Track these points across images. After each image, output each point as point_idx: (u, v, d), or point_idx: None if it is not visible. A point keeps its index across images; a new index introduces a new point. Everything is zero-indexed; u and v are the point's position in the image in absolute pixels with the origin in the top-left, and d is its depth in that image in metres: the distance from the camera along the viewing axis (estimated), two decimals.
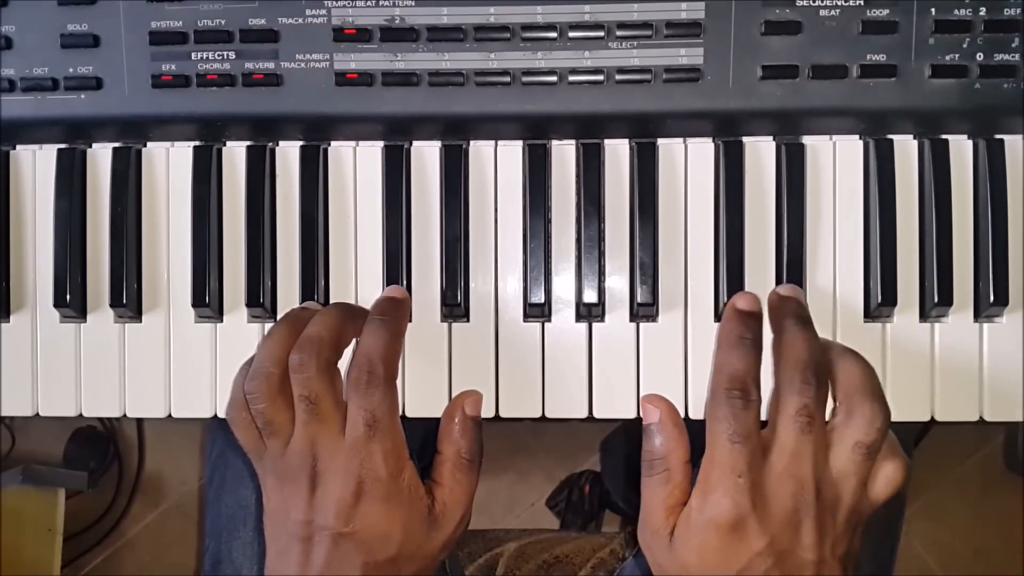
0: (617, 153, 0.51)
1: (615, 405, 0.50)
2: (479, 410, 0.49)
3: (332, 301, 0.51)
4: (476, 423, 0.48)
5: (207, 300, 0.50)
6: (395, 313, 0.48)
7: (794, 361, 0.43)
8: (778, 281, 0.50)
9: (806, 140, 0.50)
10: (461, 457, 0.47)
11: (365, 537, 0.44)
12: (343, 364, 0.47)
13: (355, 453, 0.44)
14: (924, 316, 0.50)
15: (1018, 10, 0.47)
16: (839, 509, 0.43)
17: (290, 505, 0.45)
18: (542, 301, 0.50)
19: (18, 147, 0.53)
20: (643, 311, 0.50)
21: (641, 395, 0.50)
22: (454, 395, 0.50)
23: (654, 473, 0.45)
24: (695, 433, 0.47)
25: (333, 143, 0.52)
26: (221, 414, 0.51)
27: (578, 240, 0.50)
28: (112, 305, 0.51)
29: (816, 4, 0.47)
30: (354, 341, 0.48)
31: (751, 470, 0.42)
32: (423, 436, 0.51)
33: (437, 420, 0.50)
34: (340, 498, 0.44)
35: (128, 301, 0.51)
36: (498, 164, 0.51)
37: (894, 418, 0.49)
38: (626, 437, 1.06)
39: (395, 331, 0.47)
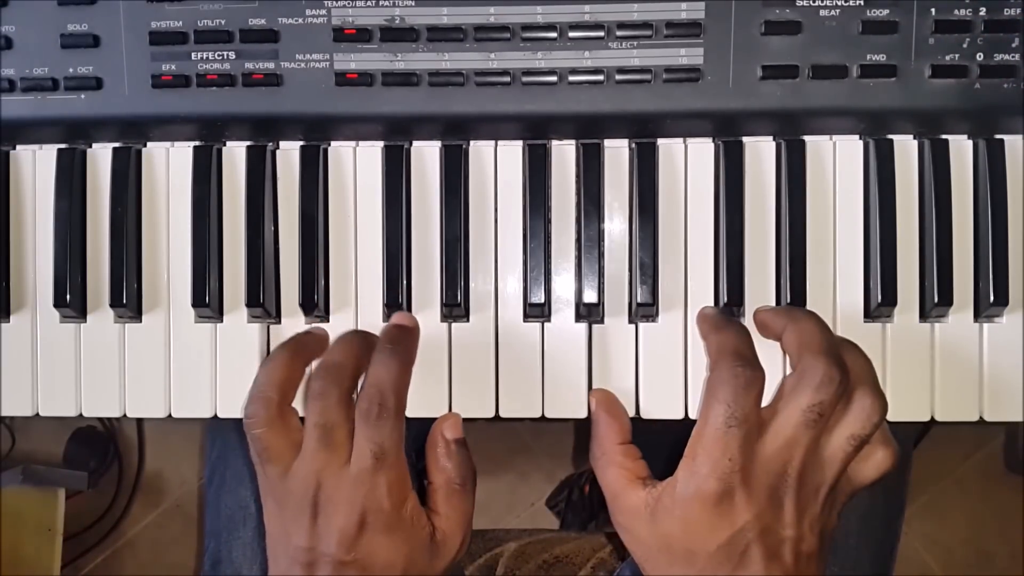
0: (617, 153, 0.51)
1: None
2: (460, 431, 0.48)
3: (332, 301, 0.51)
4: (460, 444, 0.48)
5: (207, 300, 0.50)
6: (405, 342, 0.48)
7: (814, 347, 0.43)
8: (778, 281, 0.50)
9: (806, 140, 0.50)
10: (452, 483, 0.47)
11: (367, 565, 0.44)
12: None
13: (360, 484, 0.44)
14: (924, 316, 0.50)
15: (1018, 10, 0.47)
16: (820, 490, 0.43)
17: (291, 530, 0.45)
18: (542, 301, 0.50)
19: (18, 147, 0.53)
20: (643, 311, 0.50)
21: (640, 396, 0.50)
22: (454, 396, 0.50)
23: (596, 460, 0.47)
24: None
25: (333, 143, 0.52)
26: (221, 414, 0.51)
27: (578, 240, 0.50)
28: (112, 305, 0.51)
29: (816, 4, 0.47)
30: None
31: (742, 453, 0.42)
32: (424, 436, 0.51)
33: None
34: (343, 528, 0.44)
35: (128, 301, 0.51)
36: (498, 164, 0.51)
37: (894, 418, 0.49)
38: None
39: (405, 361, 0.47)
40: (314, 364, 0.49)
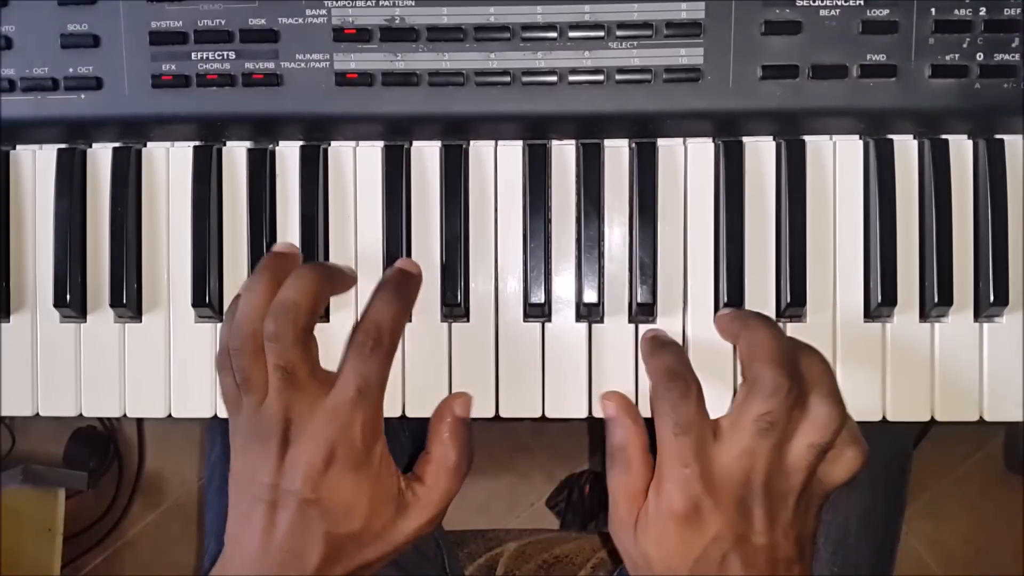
0: (617, 153, 0.51)
1: None
2: (469, 412, 0.49)
3: (332, 300, 0.51)
4: (466, 425, 0.48)
5: (207, 300, 0.50)
6: (407, 285, 0.48)
7: (763, 355, 0.43)
8: (778, 281, 0.50)
9: (806, 140, 0.50)
10: (447, 459, 0.47)
11: (330, 506, 0.44)
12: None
13: (335, 416, 0.44)
14: (924, 316, 0.50)
15: (1018, 10, 0.47)
16: (788, 497, 0.43)
17: (257, 466, 0.44)
18: (542, 301, 0.50)
19: (18, 147, 0.53)
20: (643, 311, 0.50)
21: (640, 395, 0.50)
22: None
23: (614, 464, 0.46)
24: None
25: (333, 143, 0.52)
26: (221, 414, 0.51)
27: (578, 240, 0.50)
28: (112, 305, 0.51)
29: (816, 4, 0.47)
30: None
31: (698, 460, 0.42)
32: (423, 437, 0.51)
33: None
34: (310, 462, 0.43)
35: (128, 301, 0.51)
36: (498, 164, 0.51)
37: (894, 418, 0.49)
38: None
39: (405, 303, 0.48)
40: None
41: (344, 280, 0.49)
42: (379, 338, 0.44)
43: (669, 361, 0.45)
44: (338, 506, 0.44)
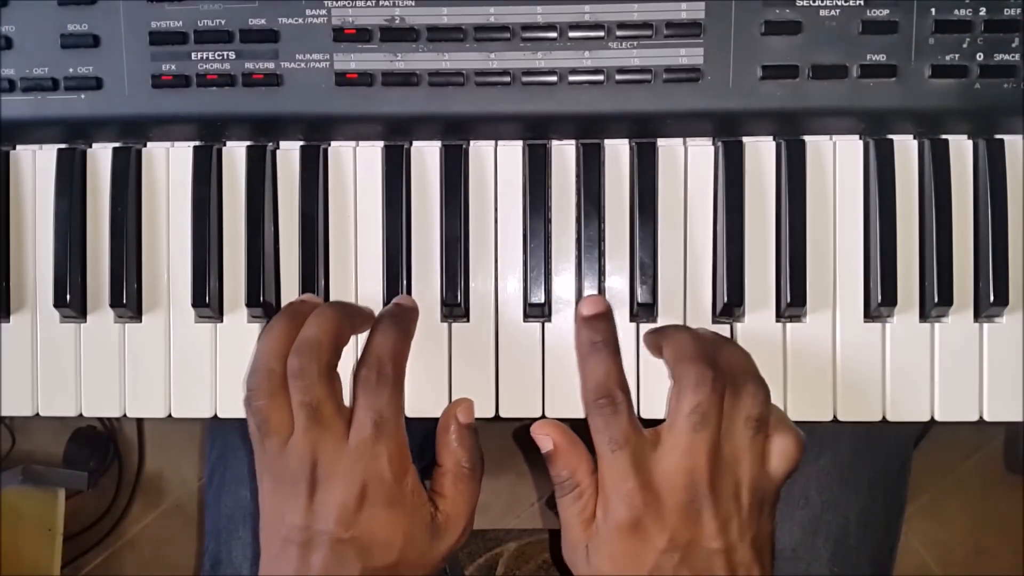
0: (617, 153, 0.51)
1: None
2: (472, 417, 0.49)
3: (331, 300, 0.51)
4: (472, 430, 0.48)
5: (207, 300, 0.50)
6: (405, 316, 0.48)
7: (685, 355, 0.44)
8: (778, 281, 0.50)
9: (806, 140, 0.50)
10: (461, 467, 0.47)
11: (365, 543, 0.44)
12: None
13: (360, 455, 0.44)
14: (924, 316, 0.50)
15: (1018, 10, 0.47)
16: (740, 493, 0.43)
17: (286, 508, 0.44)
18: (542, 301, 0.50)
19: (18, 147, 0.53)
20: (643, 311, 0.50)
21: (641, 394, 0.50)
22: (454, 396, 0.50)
23: (565, 492, 0.46)
24: None
25: (333, 143, 0.52)
26: (221, 414, 0.51)
27: (578, 240, 0.50)
28: (112, 305, 0.51)
29: (816, 4, 0.47)
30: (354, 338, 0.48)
31: (637, 472, 0.43)
32: (423, 436, 0.51)
33: (436, 421, 0.50)
34: (343, 503, 0.43)
35: (128, 301, 0.51)
36: (498, 164, 0.51)
37: (895, 418, 0.49)
38: None
39: (405, 332, 0.47)
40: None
41: (364, 319, 0.49)
42: (382, 370, 0.44)
43: (598, 375, 0.45)
44: (374, 542, 0.44)
